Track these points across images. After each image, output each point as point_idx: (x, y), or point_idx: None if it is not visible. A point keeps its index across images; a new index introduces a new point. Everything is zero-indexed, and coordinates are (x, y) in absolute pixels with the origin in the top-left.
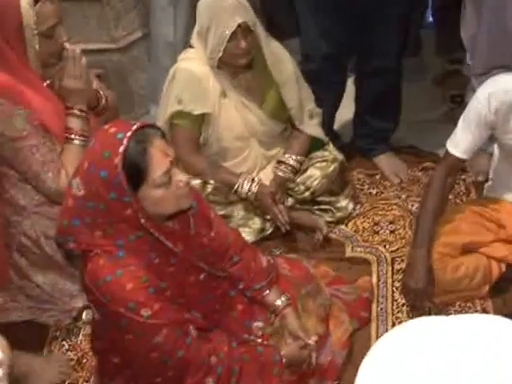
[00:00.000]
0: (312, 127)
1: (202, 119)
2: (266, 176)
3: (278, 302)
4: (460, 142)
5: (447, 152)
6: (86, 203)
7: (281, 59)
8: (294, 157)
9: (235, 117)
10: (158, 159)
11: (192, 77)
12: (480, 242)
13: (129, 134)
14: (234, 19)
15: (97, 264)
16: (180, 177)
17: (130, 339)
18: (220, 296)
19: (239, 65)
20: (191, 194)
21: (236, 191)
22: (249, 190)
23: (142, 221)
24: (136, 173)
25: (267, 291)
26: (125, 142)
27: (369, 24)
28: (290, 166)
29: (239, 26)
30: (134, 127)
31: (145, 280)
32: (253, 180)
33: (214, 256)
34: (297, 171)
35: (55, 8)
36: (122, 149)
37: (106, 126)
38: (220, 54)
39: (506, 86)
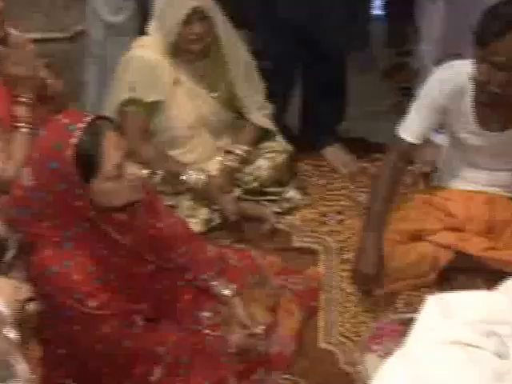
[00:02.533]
0: (261, 118)
1: (153, 107)
2: (214, 166)
3: (226, 292)
4: (412, 128)
5: (398, 138)
6: (35, 194)
7: (236, 48)
8: (241, 147)
9: (187, 105)
10: (111, 152)
11: (146, 64)
12: (428, 229)
13: (82, 125)
14: (190, 3)
15: (43, 255)
16: (132, 170)
17: (77, 330)
18: (168, 286)
19: (193, 51)
20: (142, 185)
21: (184, 181)
22: (196, 181)
23: (91, 213)
24: (88, 165)
25: (214, 282)
26: (77, 133)
27: (317, 13)
28: (238, 155)
29: (194, 10)
30: (88, 119)
31: (92, 271)
32: (200, 170)
33: (162, 247)
34: (244, 161)
35: None
36: (74, 141)
37: (59, 116)
38: (174, 38)
39: (458, 69)
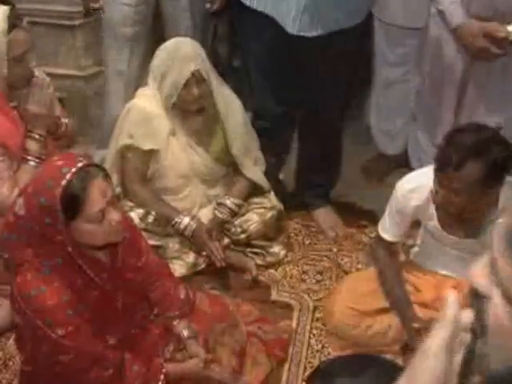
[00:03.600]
0: (255, 173)
1: (151, 154)
2: (206, 215)
3: (184, 333)
4: (388, 228)
5: (379, 235)
6: (24, 222)
7: (231, 107)
8: (233, 200)
9: (181, 156)
10: (95, 198)
11: (145, 115)
12: None
13: (73, 170)
14: (188, 67)
15: (25, 278)
16: (113, 216)
17: (41, 351)
18: (138, 320)
19: (191, 110)
20: (125, 226)
21: (173, 226)
22: (187, 226)
23: (69, 249)
24: (72, 206)
25: (177, 321)
26: (68, 176)
27: (316, 81)
28: (229, 208)
29: (193, 74)
30: (80, 164)
31: (65, 300)
32: (192, 217)
33: (136, 289)
34: (235, 214)
35: (27, 35)
36: (64, 182)
37: (55, 158)
38: (174, 100)
39: (420, 183)
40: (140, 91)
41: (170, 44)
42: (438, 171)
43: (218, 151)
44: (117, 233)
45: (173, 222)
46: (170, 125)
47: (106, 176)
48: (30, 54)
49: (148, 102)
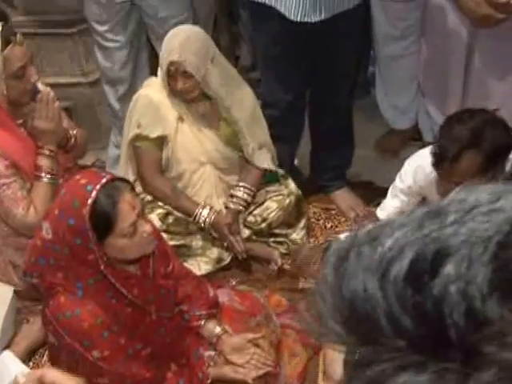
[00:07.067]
0: (262, 160)
1: (161, 141)
2: (224, 204)
3: (217, 330)
4: (389, 210)
5: (377, 218)
6: (52, 246)
7: (240, 101)
8: (245, 190)
9: (192, 140)
10: (126, 212)
11: (150, 103)
12: None
13: (98, 186)
14: (169, 58)
15: (58, 301)
16: (145, 227)
17: (77, 373)
18: (172, 330)
19: (185, 99)
20: (154, 235)
21: (194, 219)
22: (206, 219)
23: (102, 267)
24: (103, 224)
25: (204, 321)
26: (93, 194)
27: (324, 65)
28: (242, 199)
29: (176, 68)
30: (104, 180)
31: (100, 322)
32: (210, 209)
33: (168, 297)
34: (248, 203)
35: (23, 50)
36: (90, 200)
37: (78, 176)
38: (166, 86)
39: (423, 162)
40: (146, 81)
41: (175, 30)
42: (435, 165)
43: (228, 135)
44: (149, 244)
45: (193, 216)
46: (176, 111)
47: (132, 188)
48: (29, 68)
49: (153, 89)
